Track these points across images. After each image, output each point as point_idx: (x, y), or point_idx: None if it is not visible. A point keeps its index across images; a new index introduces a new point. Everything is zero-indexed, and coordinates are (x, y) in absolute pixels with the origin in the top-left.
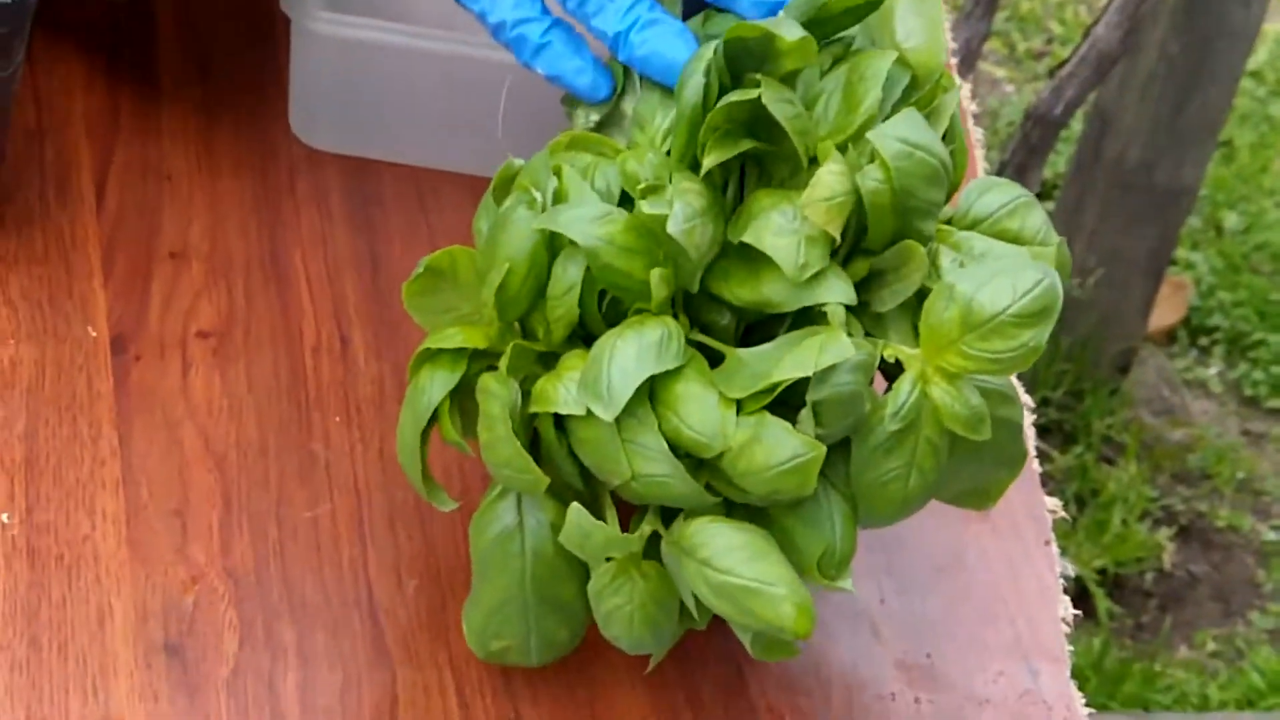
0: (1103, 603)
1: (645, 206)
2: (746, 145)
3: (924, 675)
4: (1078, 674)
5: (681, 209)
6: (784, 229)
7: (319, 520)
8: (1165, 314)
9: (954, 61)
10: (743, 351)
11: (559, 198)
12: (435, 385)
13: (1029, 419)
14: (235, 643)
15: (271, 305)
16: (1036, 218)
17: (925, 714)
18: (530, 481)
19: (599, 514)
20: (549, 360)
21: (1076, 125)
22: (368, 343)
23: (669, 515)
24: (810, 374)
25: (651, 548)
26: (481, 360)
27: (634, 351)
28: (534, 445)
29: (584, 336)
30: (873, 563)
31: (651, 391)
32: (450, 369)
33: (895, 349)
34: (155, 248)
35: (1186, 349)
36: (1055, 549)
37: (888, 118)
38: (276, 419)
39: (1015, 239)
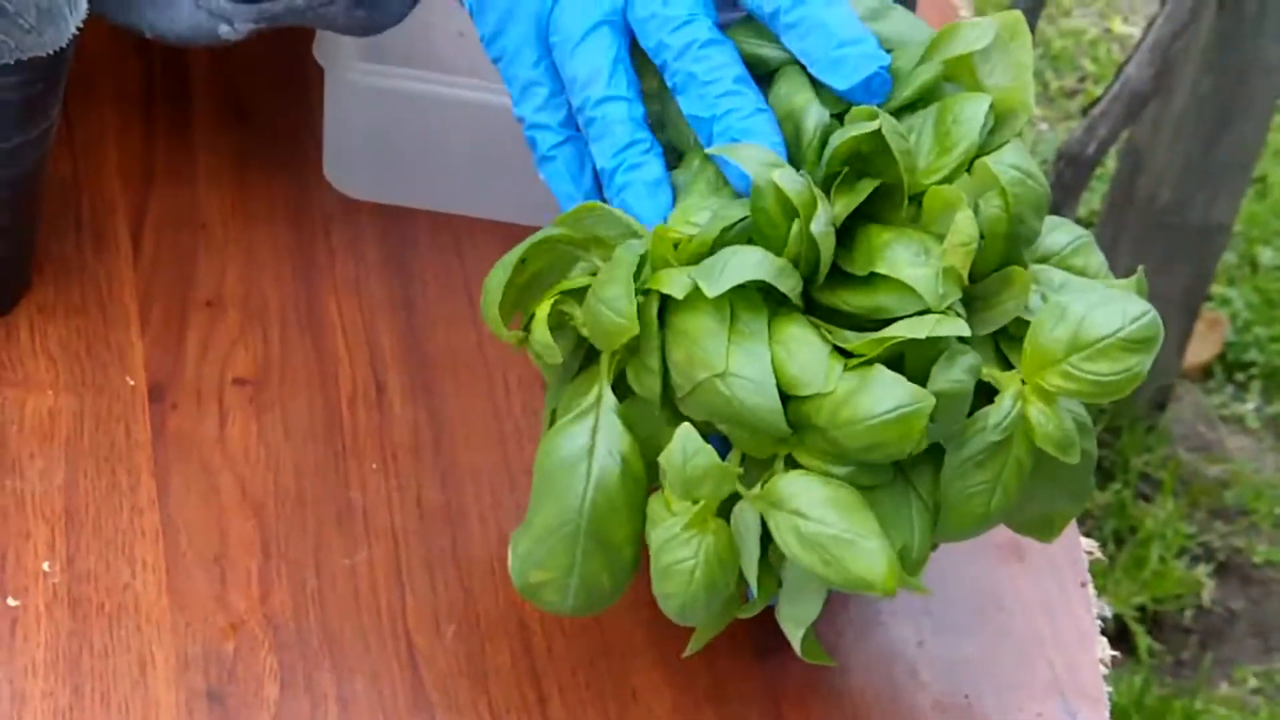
0: (1143, 640)
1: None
2: (870, 186)
3: (962, 716)
4: (1119, 712)
5: (824, 213)
6: (917, 262)
7: (357, 568)
8: (1201, 350)
9: None
10: (853, 334)
11: None
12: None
13: None
14: (276, 689)
15: (307, 353)
16: (1097, 258)
17: None
18: (621, 325)
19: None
20: None
21: (1111, 163)
22: (403, 389)
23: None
24: (923, 336)
25: (723, 508)
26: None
27: (757, 258)
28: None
29: None
30: (911, 604)
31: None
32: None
33: (989, 371)
34: (191, 296)
35: (1223, 385)
36: (1092, 590)
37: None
38: (313, 467)
39: (1081, 275)
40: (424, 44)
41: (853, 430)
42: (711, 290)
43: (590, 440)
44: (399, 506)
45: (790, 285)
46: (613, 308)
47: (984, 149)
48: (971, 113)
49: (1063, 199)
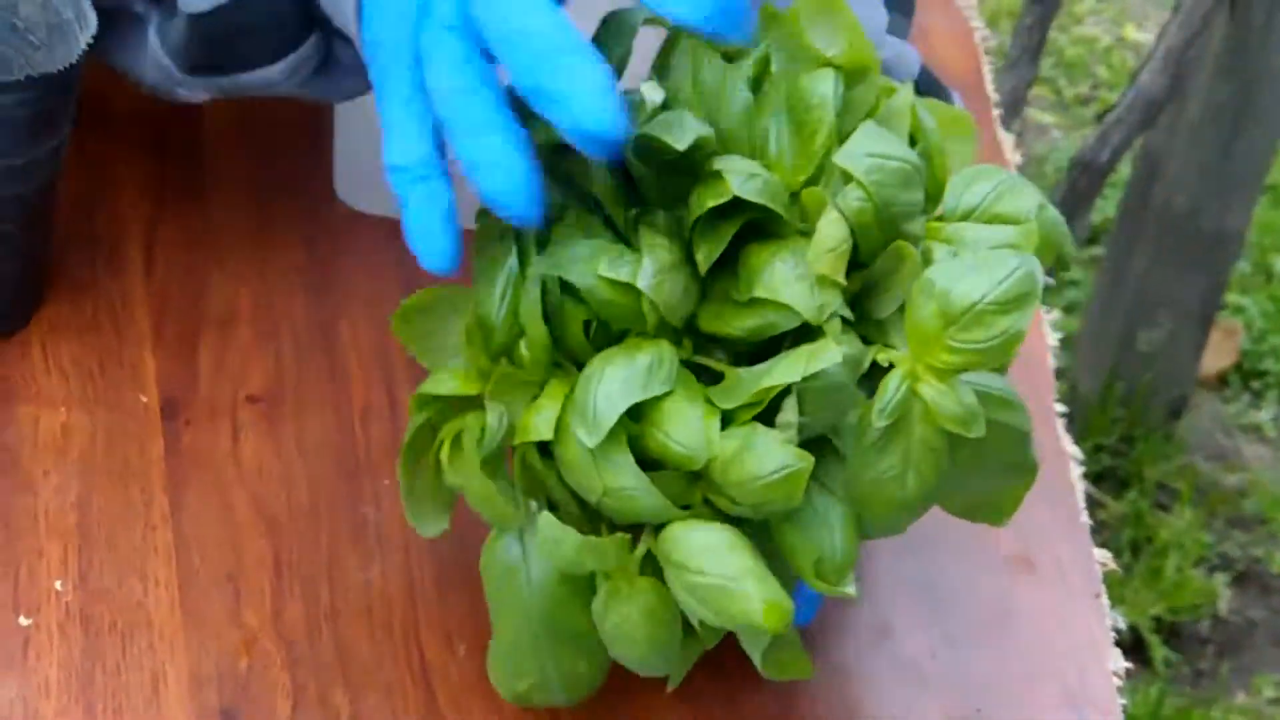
0: (1159, 650)
1: (604, 269)
2: (731, 230)
3: None
4: None
5: (650, 264)
6: (791, 277)
7: (370, 583)
8: (1217, 359)
9: (998, 113)
10: (742, 370)
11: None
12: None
13: (1078, 469)
14: (289, 707)
15: (320, 369)
16: (1028, 198)
17: None
18: (502, 514)
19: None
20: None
21: (1126, 170)
22: None
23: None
24: (798, 380)
25: (652, 565)
26: (476, 404)
27: (622, 377)
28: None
29: (576, 362)
30: (921, 616)
31: (639, 410)
32: (444, 413)
33: (886, 352)
34: (204, 313)
35: (1239, 393)
36: (1105, 601)
37: (845, 137)
38: (327, 483)
39: (1011, 223)
40: None
41: (743, 490)
42: (591, 440)
43: (520, 549)
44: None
45: (663, 376)
46: (484, 501)
47: (843, 129)
48: (819, 95)
49: (1076, 206)
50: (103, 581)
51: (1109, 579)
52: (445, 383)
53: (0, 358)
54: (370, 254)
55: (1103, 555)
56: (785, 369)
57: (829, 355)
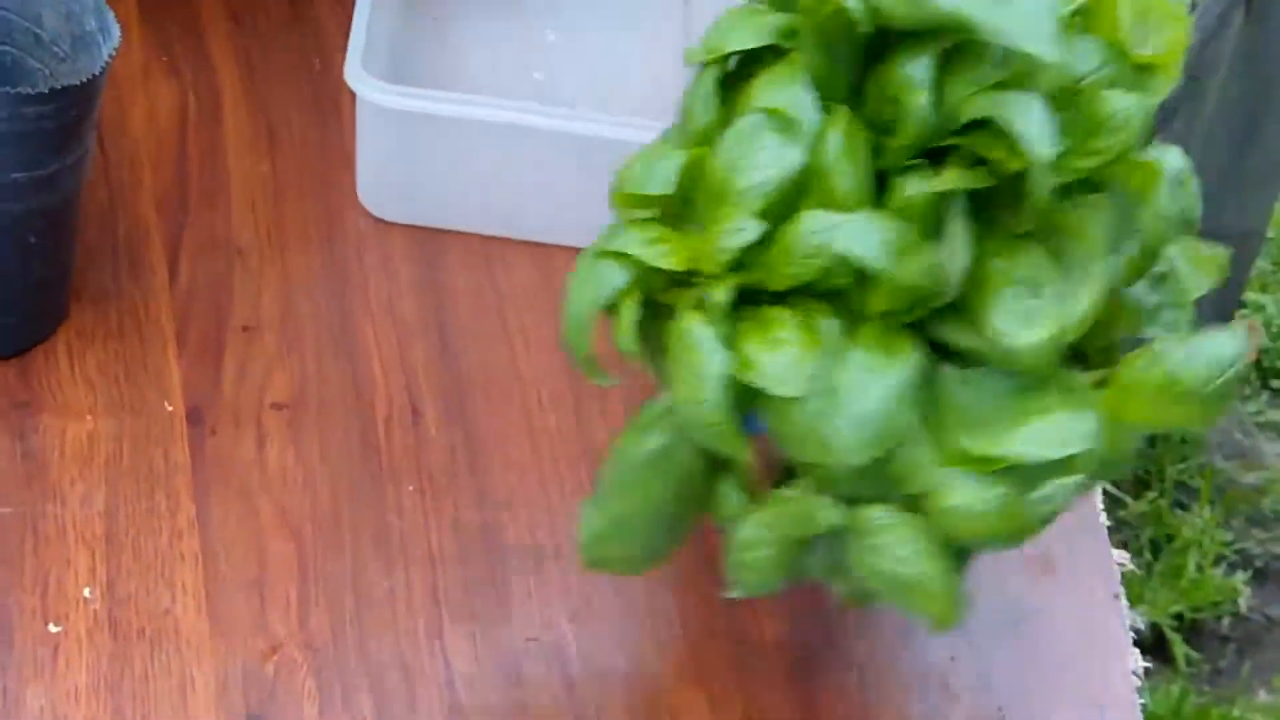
0: (1180, 649)
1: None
2: (979, 181)
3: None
4: None
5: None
6: (1028, 316)
7: (394, 590)
8: None
9: None
10: (956, 382)
11: None
12: (618, 278)
13: None
14: (315, 711)
15: (343, 376)
16: None
17: None
18: (736, 454)
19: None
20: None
21: None
22: (439, 412)
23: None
24: (1048, 458)
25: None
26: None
27: (878, 394)
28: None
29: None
30: None
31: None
32: (637, 273)
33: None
34: (227, 321)
35: (1258, 392)
36: (1124, 601)
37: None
38: (350, 490)
39: None
40: (453, 65)
41: (950, 519)
42: (840, 459)
43: (668, 440)
44: (436, 528)
45: (918, 398)
46: (717, 435)
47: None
48: (1123, 113)
49: None
50: (130, 589)
51: (1128, 578)
52: (659, 252)
53: (27, 367)
54: (392, 261)
55: (1121, 556)
56: (1038, 440)
57: (1082, 435)
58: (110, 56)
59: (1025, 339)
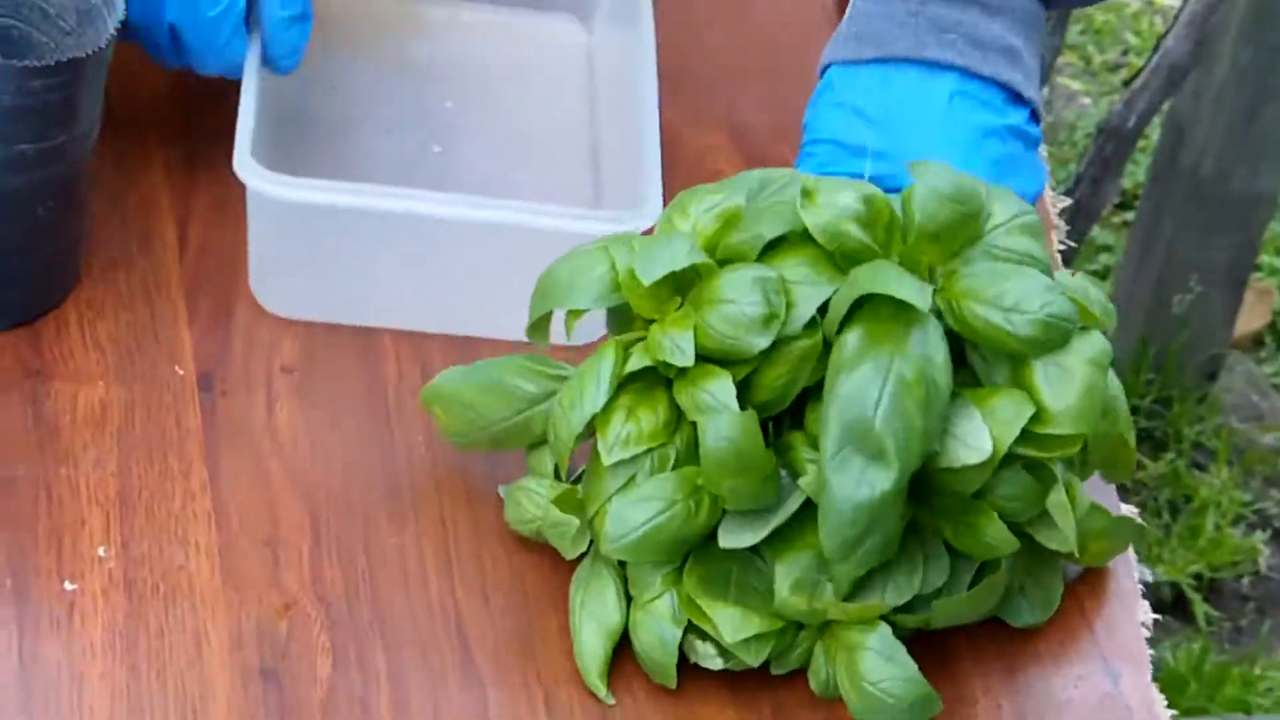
0: (1200, 608)
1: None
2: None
3: (1004, 681)
4: (1177, 680)
5: None
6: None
7: (405, 546)
8: (1250, 320)
9: None
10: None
11: None
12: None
13: None
14: (329, 666)
15: (352, 338)
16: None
17: (1007, 717)
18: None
19: None
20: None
21: (1155, 136)
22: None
23: None
24: None
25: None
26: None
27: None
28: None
29: None
30: None
31: None
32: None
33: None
34: (237, 287)
35: (1274, 353)
36: (1133, 555)
37: None
38: (360, 449)
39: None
40: (349, 142)
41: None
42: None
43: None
44: (446, 486)
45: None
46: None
47: None
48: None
49: (1104, 172)
50: (144, 548)
51: (1148, 539)
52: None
53: (39, 337)
54: None
55: (1130, 510)
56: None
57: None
58: (115, 30)
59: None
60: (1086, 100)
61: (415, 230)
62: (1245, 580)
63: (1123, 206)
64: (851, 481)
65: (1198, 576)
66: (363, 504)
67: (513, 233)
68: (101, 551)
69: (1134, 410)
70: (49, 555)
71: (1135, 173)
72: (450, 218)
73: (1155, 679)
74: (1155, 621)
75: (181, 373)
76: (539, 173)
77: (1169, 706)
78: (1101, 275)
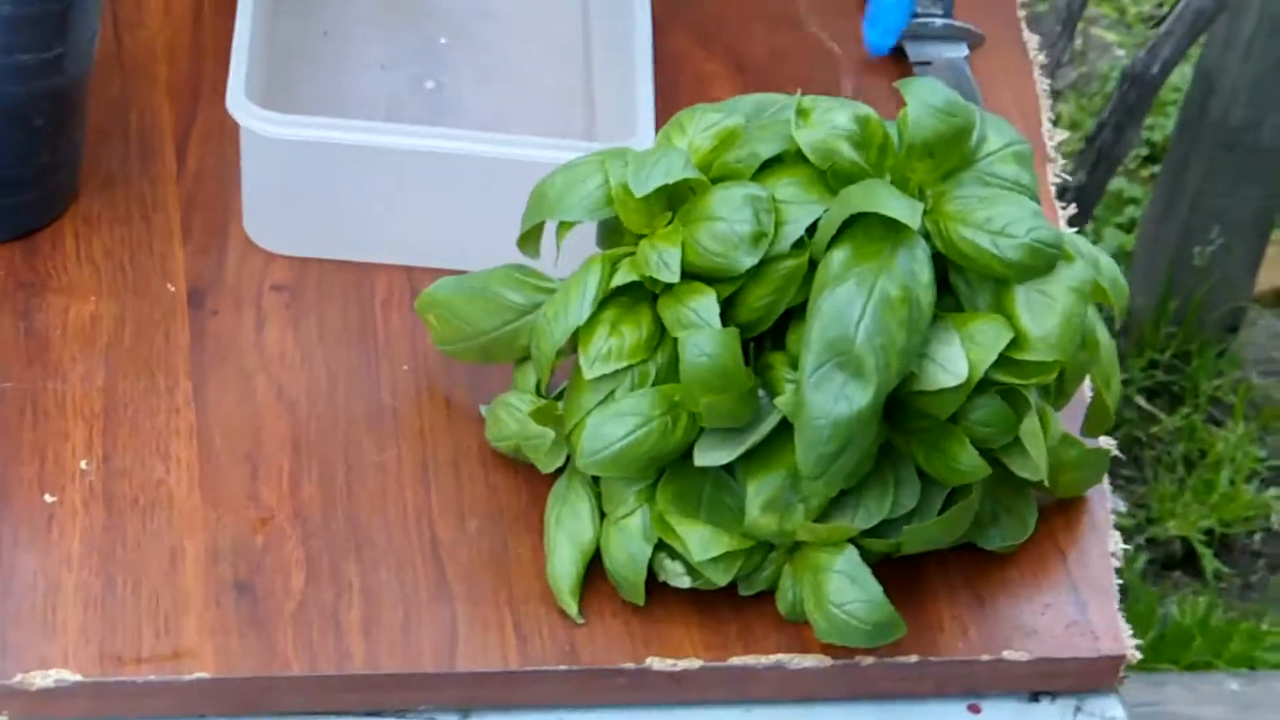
0: (1210, 563)
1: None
2: None
3: (972, 607)
4: (1183, 634)
5: None
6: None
7: (385, 464)
8: (1272, 275)
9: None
10: None
11: None
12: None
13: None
14: (302, 580)
15: (347, 265)
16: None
17: (973, 643)
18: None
19: None
20: None
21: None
22: None
23: None
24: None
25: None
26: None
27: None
28: None
29: None
30: None
31: None
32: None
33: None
34: (233, 207)
35: None
36: (1107, 486)
37: None
38: (346, 368)
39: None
40: (344, 78)
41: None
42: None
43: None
44: (428, 406)
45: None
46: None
47: None
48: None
49: (1127, 119)
50: (126, 462)
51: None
52: None
53: (34, 250)
54: None
55: (1109, 442)
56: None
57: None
58: None
59: None
60: (1120, 52)
61: (409, 166)
62: (1257, 536)
63: (1152, 160)
64: (830, 398)
65: (1209, 532)
66: (345, 422)
67: (507, 166)
68: (84, 464)
69: (1152, 365)
70: (30, 467)
71: (1165, 125)
72: (444, 152)
73: (1160, 634)
74: (1165, 577)
75: (173, 290)
76: (533, 106)
77: (1173, 661)
78: (1126, 228)
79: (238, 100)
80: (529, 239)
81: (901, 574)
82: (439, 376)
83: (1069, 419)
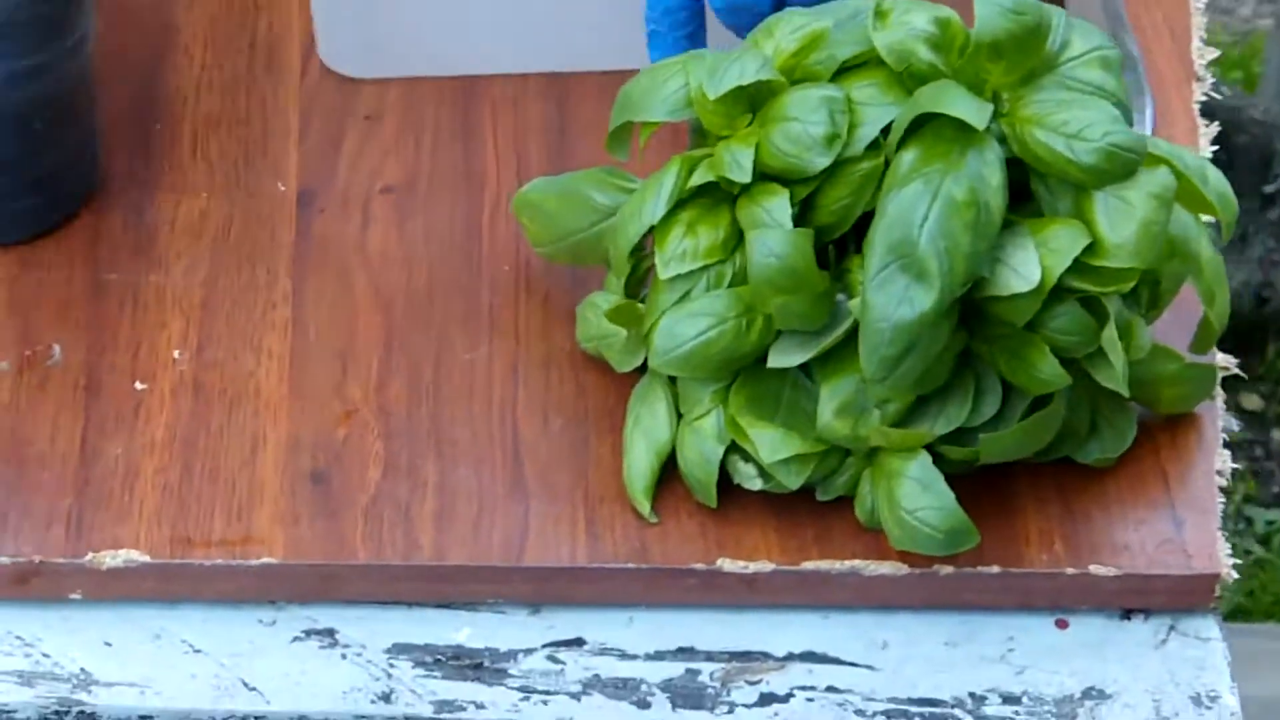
0: None
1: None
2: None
3: (1062, 520)
4: None
5: None
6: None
7: (475, 363)
8: None
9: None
10: None
11: None
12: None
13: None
14: (379, 473)
15: (456, 164)
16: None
17: (1059, 556)
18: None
19: None
20: None
21: None
22: None
23: None
24: None
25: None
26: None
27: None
28: None
29: None
30: None
31: None
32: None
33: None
34: (352, 110)
35: None
36: (1220, 403)
37: None
38: (447, 268)
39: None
40: None
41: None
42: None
43: None
44: (525, 306)
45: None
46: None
47: None
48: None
49: None
50: (218, 353)
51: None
52: None
53: (149, 149)
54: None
55: (1225, 360)
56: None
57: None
58: None
59: None
60: None
61: None
62: None
63: None
64: (893, 300)
65: None
66: (441, 319)
67: None
68: (176, 354)
69: None
70: (125, 356)
71: None
72: None
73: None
74: None
75: (284, 189)
76: None
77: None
78: None
79: None
80: (616, 140)
81: (992, 485)
82: (539, 278)
83: (1182, 332)
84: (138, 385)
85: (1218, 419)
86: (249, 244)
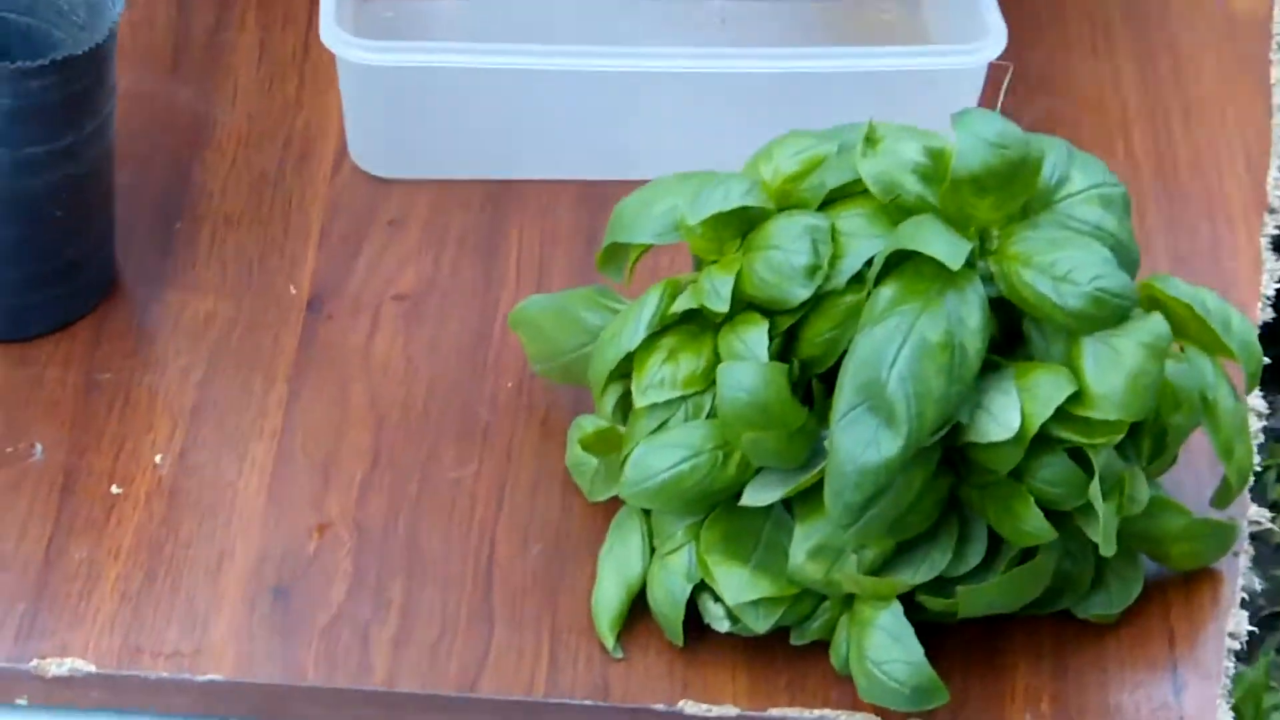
0: None
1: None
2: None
3: (1053, 679)
4: None
5: None
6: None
7: (462, 481)
8: None
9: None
10: None
11: None
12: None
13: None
14: (344, 591)
15: (475, 272)
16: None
17: (1044, 715)
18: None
19: None
20: None
21: None
22: None
23: None
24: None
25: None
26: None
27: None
28: None
29: None
30: None
31: None
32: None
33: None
34: (377, 214)
35: None
36: (1245, 560)
37: None
38: (448, 382)
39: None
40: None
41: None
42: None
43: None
44: (523, 425)
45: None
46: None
47: None
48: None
49: None
50: (200, 459)
51: (1260, 536)
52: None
53: (167, 246)
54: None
55: (1259, 513)
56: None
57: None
58: (115, 21)
59: None
60: None
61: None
62: None
63: None
64: (860, 443)
65: None
66: (434, 434)
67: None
68: (158, 459)
69: None
70: (106, 458)
71: None
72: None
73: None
74: None
75: (294, 292)
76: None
77: None
78: None
79: (332, 33)
80: (608, 259)
81: (985, 635)
82: (540, 395)
83: (1202, 486)
84: (114, 489)
85: (1238, 575)
86: (250, 348)
